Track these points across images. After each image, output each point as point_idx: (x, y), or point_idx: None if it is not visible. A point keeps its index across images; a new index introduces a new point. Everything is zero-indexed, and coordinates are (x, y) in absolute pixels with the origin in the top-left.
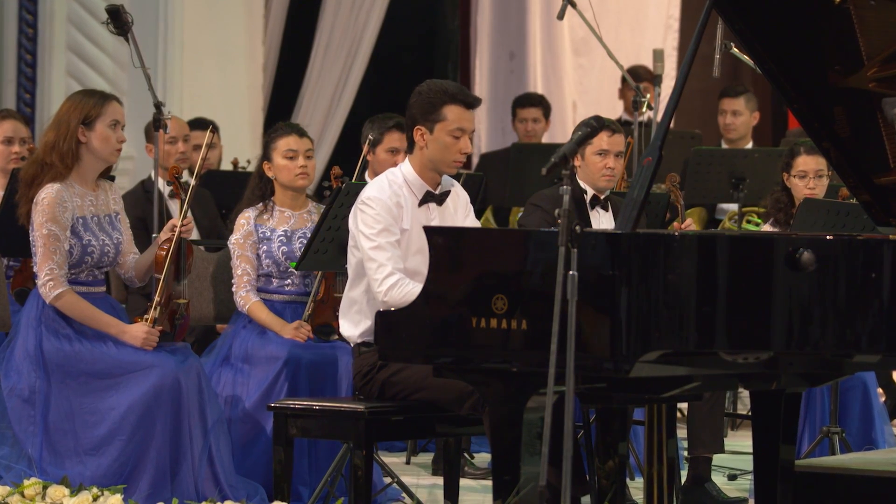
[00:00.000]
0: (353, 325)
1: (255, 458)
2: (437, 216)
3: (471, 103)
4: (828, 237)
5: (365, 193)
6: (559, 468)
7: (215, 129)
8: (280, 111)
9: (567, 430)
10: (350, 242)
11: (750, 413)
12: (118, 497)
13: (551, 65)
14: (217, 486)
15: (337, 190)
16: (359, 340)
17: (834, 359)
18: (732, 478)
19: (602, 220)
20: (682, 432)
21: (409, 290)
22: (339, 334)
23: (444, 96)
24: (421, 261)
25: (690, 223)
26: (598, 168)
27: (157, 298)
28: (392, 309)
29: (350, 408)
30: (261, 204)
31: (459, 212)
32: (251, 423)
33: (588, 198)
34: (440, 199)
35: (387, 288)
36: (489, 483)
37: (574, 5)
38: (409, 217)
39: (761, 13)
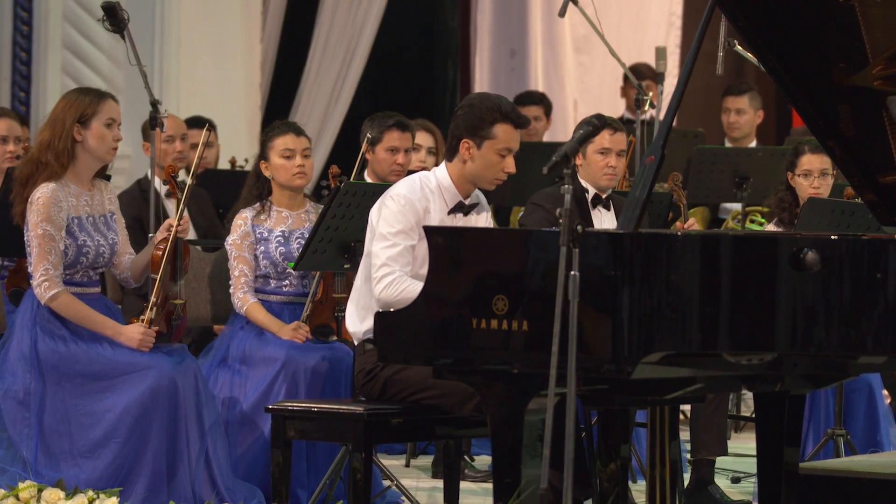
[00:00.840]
0: (360, 320)
1: (253, 460)
2: (462, 224)
3: (522, 123)
4: (832, 237)
5: (395, 189)
6: (561, 471)
7: (212, 128)
8: (278, 109)
9: (568, 433)
10: (368, 235)
11: (753, 415)
12: (114, 500)
13: (552, 62)
14: (214, 489)
15: (335, 189)
16: (364, 337)
17: (838, 360)
18: (736, 480)
19: (604, 220)
20: (684, 434)
21: (405, 286)
22: (338, 335)
23: (497, 114)
24: None
25: (693, 223)
26: (599, 167)
27: (153, 299)
28: (391, 310)
29: (349, 410)
30: (258, 204)
31: (480, 223)
32: (249, 426)
33: (590, 197)
34: (468, 210)
35: (383, 286)
36: (490, 486)
37: (576, 2)
38: (436, 224)
39: (765, 10)
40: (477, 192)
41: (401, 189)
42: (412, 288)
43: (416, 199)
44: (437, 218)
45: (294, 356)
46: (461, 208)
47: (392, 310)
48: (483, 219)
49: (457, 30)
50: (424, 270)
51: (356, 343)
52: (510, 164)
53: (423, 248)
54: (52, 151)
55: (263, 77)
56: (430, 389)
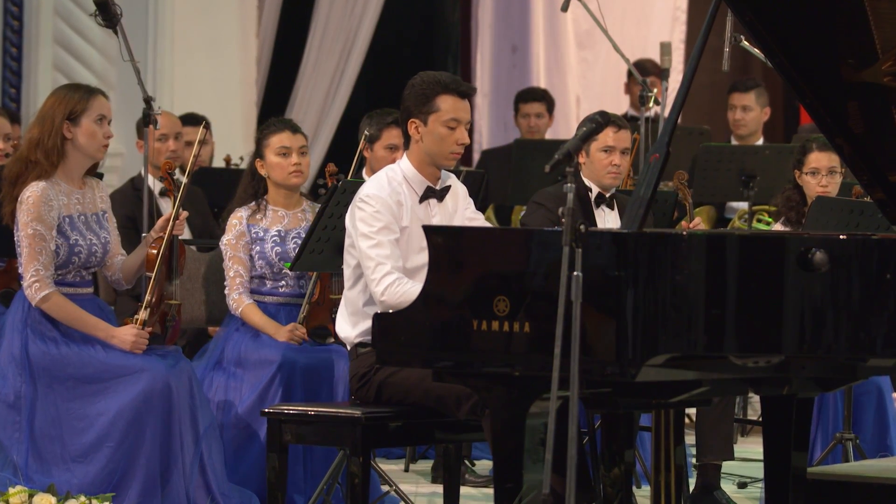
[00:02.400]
0: (351, 326)
1: (249, 465)
2: (438, 213)
3: (464, 92)
4: (841, 236)
5: (363, 191)
6: (563, 476)
7: (207, 126)
8: (274, 106)
9: (571, 437)
10: (347, 242)
11: (760, 419)
12: None
13: (555, 58)
14: (209, 494)
15: (332, 188)
16: (356, 341)
17: (847, 362)
18: (742, 486)
19: (607, 219)
20: (690, 439)
21: (407, 288)
22: (335, 337)
23: (437, 87)
24: (423, 259)
25: (699, 222)
26: (603, 165)
27: (147, 297)
28: (390, 311)
29: (346, 413)
30: (253, 203)
31: (460, 205)
32: (244, 429)
33: (593, 196)
34: (441, 194)
35: (384, 287)
36: (491, 491)
37: None
38: (410, 214)
39: (772, 4)
40: (450, 175)
41: (369, 189)
42: (414, 290)
43: (386, 195)
44: (411, 209)
45: (290, 358)
46: (432, 194)
47: (391, 311)
48: (461, 196)
49: (457, 25)
50: (410, 264)
51: (348, 348)
52: (462, 136)
53: (403, 240)
54: (41, 149)
55: (259, 73)
56: (425, 392)
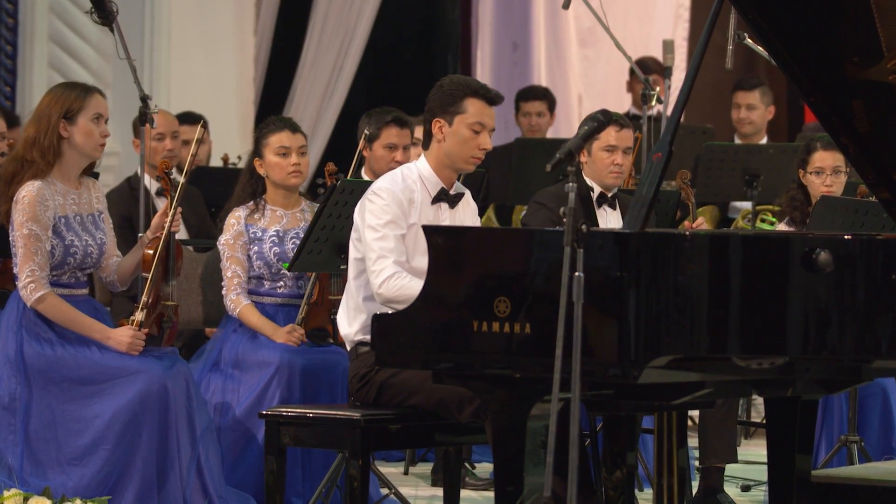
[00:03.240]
0: (348, 321)
1: (246, 467)
2: (448, 218)
3: (493, 99)
4: (846, 237)
5: (377, 184)
6: (565, 478)
7: (205, 125)
8: (272, 104)
9: (573, 439)
10: (353, 235)
11: (764, 421)
12: None
13: (556, 56)
14: (206, 497)
15: (331, 188)
16: (356, 339)
17: (852, 364)
18: (746, 489)
19: (609, 219)
20: (693, 441)
21: (405, 283)
22: (334, 338)
23: (466, 89)
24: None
25: (702, 222)
26: (605, 164)
27: (144, 298)
28: (389, 311)
29: (345, 415)
30: (251, 203)
31: (468, 220)
32: (242, 432)
33: (595, 196)
34: (453, 200)
35: (383, 279)
36: (491, 494)
37: None
38: (419, 213)
39: (776, 2)
40: (465, 189)
41: (382, 183)
42: (412, 285)
43: (398, 191)
44: (421, 208)
45: (289, 360)
46: (445, 197)
47: (390, 312)
48: (471, 211)
49: (457, 22)
50: (416, 263)
51: (348, 347)
52: (485, 141)
53: (410, 239)
54: (37, 148)
55: (257, 71)
56: (426, 394)
